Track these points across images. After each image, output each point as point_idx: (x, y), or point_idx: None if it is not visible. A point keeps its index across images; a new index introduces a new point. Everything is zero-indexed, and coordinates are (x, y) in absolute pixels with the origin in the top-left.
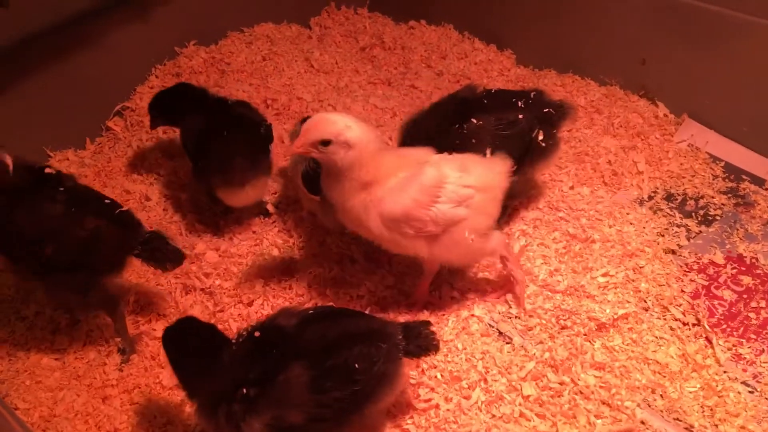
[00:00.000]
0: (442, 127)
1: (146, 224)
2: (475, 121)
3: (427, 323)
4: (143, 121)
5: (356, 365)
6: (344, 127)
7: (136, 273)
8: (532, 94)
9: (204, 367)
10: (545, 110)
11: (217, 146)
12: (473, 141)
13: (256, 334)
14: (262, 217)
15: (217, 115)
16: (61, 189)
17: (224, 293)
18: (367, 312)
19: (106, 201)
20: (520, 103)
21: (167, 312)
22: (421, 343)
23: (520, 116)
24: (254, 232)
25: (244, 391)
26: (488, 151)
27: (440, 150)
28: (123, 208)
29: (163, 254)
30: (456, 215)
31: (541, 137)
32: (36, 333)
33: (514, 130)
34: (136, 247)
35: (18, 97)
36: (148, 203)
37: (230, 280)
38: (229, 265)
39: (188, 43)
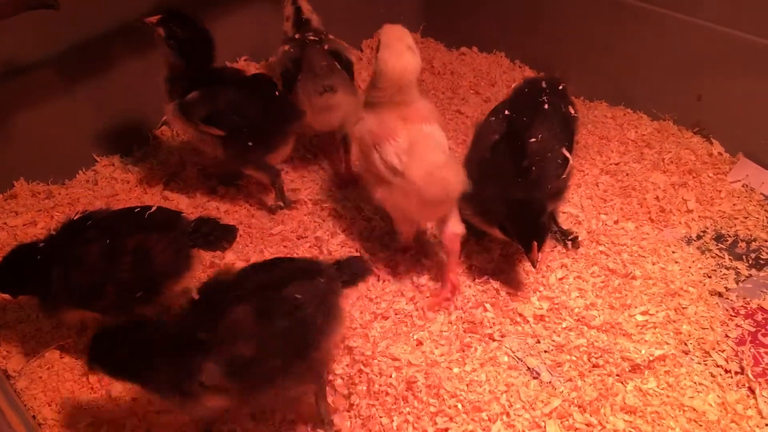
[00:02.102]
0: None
1: None
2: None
3: (359, 258)
4: None
5: (297, 296)
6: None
7: None
8: (543, 82)
9: (149, 358)
10: (560, 87)
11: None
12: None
13: (195, 296)
14: (295, 239)
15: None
16: (89, 223)
17: None
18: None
19: (136, 211)
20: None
21: None
22: (355, 270)
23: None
24: (285, 247)
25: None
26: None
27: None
28: (152, 209)
29: (216, 236)
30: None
31: (573, 111)
32: (63, 332)
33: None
34: (186, 239)
35: (69, 102)
36: (185, 211)
37: None
38: None
39: (239, 58)
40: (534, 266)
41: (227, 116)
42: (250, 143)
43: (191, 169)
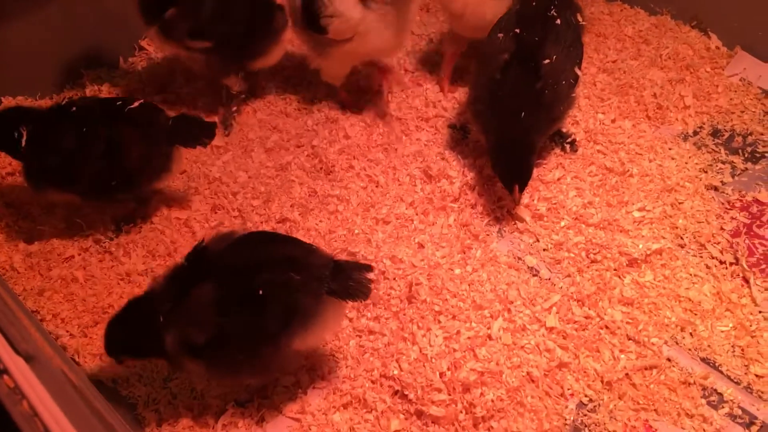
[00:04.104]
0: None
1: None
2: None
3: (366, 267)
4: None
5: (260, 292)
6: None
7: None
8: None
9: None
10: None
11: None
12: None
13: (183, 262)
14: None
15: None
16: (73, 109)
17: (254, 211)
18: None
19: (118, 103)
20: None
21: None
22: (349, 285)
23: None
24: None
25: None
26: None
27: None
28: (134, 104)
29: (195, 133)
30: None
31: (581, 20)
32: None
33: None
34: (163, 136)
35: (51, 14)
36: None
37: (258, 198)
38: (257, 184)
39: None
40: (516, 203)
41: (212, 26)
42: (237, 50)
43: (181, 79)
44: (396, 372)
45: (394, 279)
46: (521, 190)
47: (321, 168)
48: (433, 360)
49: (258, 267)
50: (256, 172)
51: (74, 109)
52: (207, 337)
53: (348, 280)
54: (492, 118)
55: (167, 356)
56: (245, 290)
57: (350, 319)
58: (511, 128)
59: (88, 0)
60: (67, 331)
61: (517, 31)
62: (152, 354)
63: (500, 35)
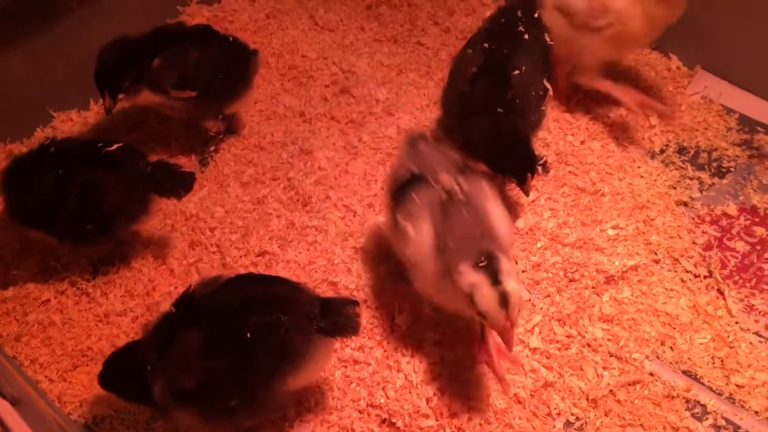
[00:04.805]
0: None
1: None
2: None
3: (353, 302)
4: None
5: (248, 335)
6: None
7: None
8: (518, 11)
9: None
10: (536, 15)
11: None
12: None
13: (171, 309)
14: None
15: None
16: (52, 150)
17: (232, 246)
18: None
19: (99, 145)
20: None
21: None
22: (338, 321)
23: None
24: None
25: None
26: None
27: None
28: (112, 147)
29: (172, 183)
30: None
31: (548, 39)
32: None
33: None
34: (140, 182)
35: (19, 58)
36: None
37: (236, 232)
38: (234, 218)
39: (191, 2)
40: (527, 195)
41: (197, 76)
42: (219, 97)
43: (153, 118)
44: (383, 400)
45: (377, 308)
46: (532, 177)
47: (298, 200)
48: (419, 386)
49: (245, 309)
50: (233, 207)
51: (53, 150)
52: (195, 382)
53: (337, 316)
54: (469, 126)
55: (158, 407)
56: (233, 333)
57: (335, 350)
58: (501, 123)
59: (55, 43)
60: (47, 377)
61: (486, 45)
62: (142, 404)
63: (469, 51)
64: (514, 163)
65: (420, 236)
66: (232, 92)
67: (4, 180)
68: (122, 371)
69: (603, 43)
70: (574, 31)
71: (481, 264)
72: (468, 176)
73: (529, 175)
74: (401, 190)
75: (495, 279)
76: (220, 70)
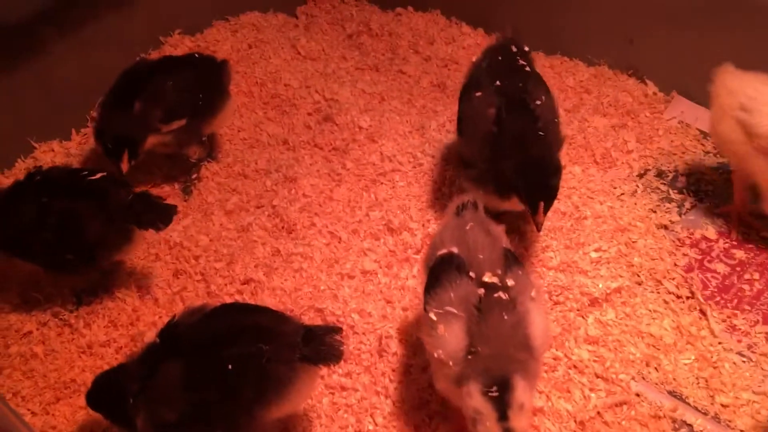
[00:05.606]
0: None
1: None
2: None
3: (336, 329)
4: None
5: (229, 366)
6: None
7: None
8: (512, 46)
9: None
10: (525, 48)
11: None
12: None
13: (156, 339)
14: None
15: None
16: (38, 179)
17: (217, 274)
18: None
19: (83, 173)
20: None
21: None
22: (321, 349)
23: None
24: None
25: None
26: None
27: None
28: (96, 176)
29: (151, 216)
30: None
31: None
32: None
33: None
34: (120, 213)
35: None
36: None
37: (221, 260)
38: (219, 246)
39: (173, 32)
40: (538, 229)
41: (180, 102)
42: (205, 115)
43: None
44: (371, 427)
45: (364, 333)
46: (546, 210)
47: (283, 227)
48: (409, 413)
49: (228, 340)
50: (217, 235)
51: (38, 178)
52: (177, 414)
53: (320, 344)
54: (505, 164)
55: None
56: (215, 364)
57: (322, 377)
58: (532, 149)
59: (36, 74)
60: (29, 410)
61: (498, 83)
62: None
63: (478, 94)
64: (530, 187)
65: (451, 337)
66: (215, 107)
67: None
68: (109, 395)
69: None
70: (753, 151)
71: (490, 393)
72: (513, 269)
73: (542, 204)
74: (438, 267)
75: (503, 414)
76: (198, 88)
